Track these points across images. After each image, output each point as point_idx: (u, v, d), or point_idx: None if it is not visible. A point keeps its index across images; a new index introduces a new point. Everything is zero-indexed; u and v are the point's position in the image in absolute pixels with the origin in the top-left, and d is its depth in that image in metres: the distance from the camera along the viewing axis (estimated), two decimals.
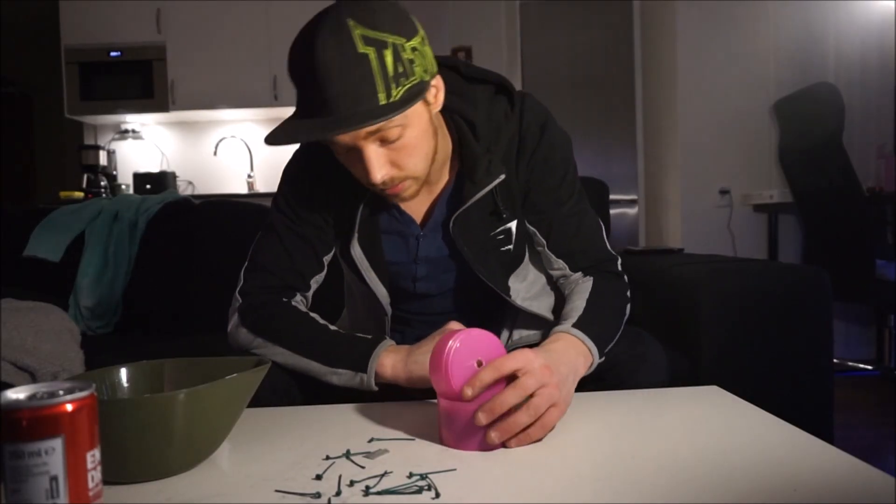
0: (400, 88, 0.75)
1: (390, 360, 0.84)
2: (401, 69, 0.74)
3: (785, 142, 3.09)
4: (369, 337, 0.88)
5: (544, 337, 0.85)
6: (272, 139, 0.77)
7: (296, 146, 1.02)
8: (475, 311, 1.04)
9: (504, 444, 0.67)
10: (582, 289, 0.92)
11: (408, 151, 0.82)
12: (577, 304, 0.87)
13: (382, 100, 0.74)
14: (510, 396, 0.65)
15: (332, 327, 0.91)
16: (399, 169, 0.82)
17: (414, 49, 0.76)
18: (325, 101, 0.74)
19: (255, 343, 0.92)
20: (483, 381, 0.66)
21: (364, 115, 0.73)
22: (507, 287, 0.98)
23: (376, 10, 0.75)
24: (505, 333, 1.03)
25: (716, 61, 3.21)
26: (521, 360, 0.68)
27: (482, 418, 0.64)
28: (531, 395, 0.66)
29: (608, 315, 0.89)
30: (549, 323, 1.01)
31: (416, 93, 0.77)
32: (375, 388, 0.85)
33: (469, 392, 0.65)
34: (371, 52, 0.73)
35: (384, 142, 0.80)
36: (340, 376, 0.86)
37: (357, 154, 0.80)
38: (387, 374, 0.84)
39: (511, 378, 0.68)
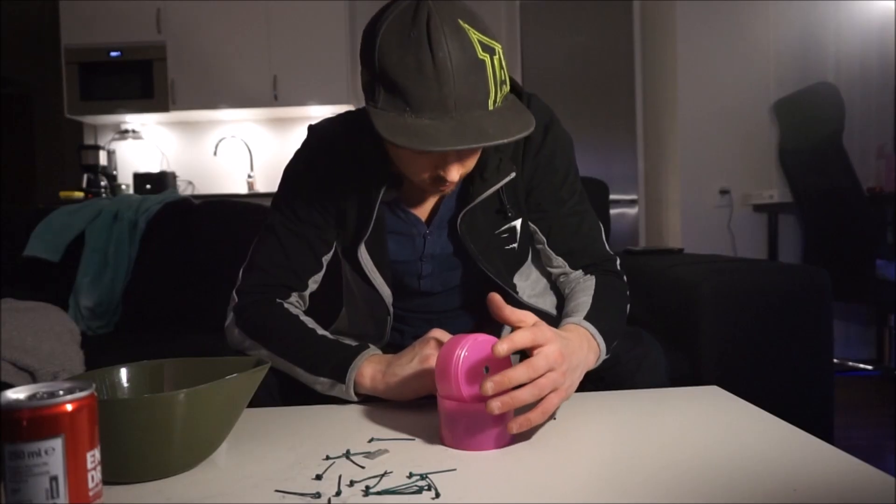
0: (501, 95, 0.77)
1: (370, 371, 0.83)
2: (503, 77, 0.77)
3: (785, 142, 3.09)
4: (353, 344, 0.87)
5: None
6: (403, 139, 0.73)
7: (296, 146, 1.02)
8: (477, 308, 1.04)
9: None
10: (585, 286, 0.92)
11: (476, 153, 0.85)
12: (583, 301, 0.87)
13: (490, 105, 0.76)
14: (520, 373, 0.65)
15: (320, 331, 0.91)
16: (465, 168, 0.85)
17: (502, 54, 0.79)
18: (443, 101, 0.73)
19: (245, 344, 0.93)
20: (516, 343, 0.66)
21: (496, 125, 0.74)
22: (514, 285, 0.99)
23: (475, 13, 0.76)
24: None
25: (716, 61, 3.21)
26: (542, 336, 0.68)
27: (489, 388, 0.63)
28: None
29: (613, 313, 0.89)
30: (552, 318, 1.01)
31: (512, 100, 0.80)
32: (355, 399, 0.84)
33: (502, 349, 0.64)
34: (487, 59, 0.74)
35: None
36: (322, 384, 0.85)
37: (435, 155, 0.80)
38: (366, 385, 0.83)
39: (523, 356, 0.68)
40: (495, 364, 0.68)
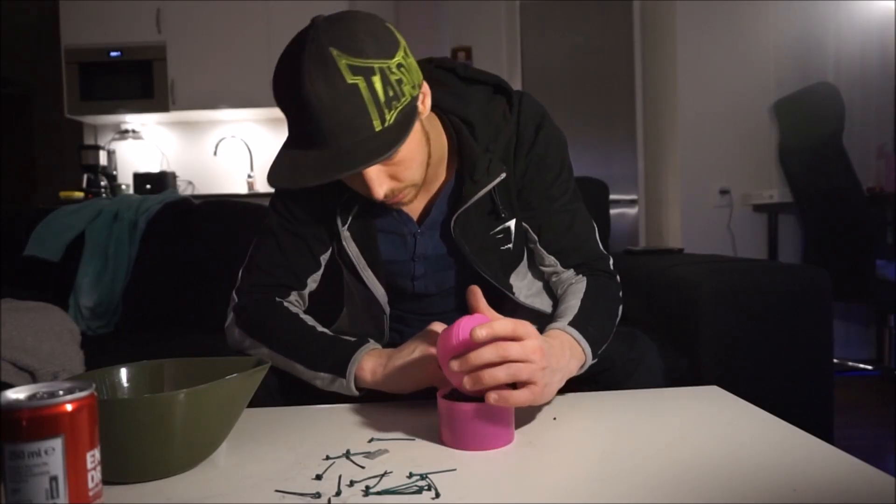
0: (393, 112, 0.76)
1: (370, 365, 0.83)
2: (391, 93, 0.75)
3: (785, 142, 3.09)
4: (352, 339, 0.87)
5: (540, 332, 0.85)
6: (278, 180, 0.77)
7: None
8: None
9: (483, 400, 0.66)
10: (576, 289, 0.91)
11: (405, 165, 0.83)
12: (572, 304, 0.87)
13: (378, 126, 0.75)
14: (488, 352, 0.65)
15: (320, 329, 0.91)
16: (398, 181, 0.84)
17: (399, 66, 0.76)
18: (321, 133, 0.74)
19: (246, 343, 0.93)
20: (495, 330, 0.65)
21: (368, 150, 0.74)
22: (510, 285, 0.98)
23: (357, 32, 0.74)
24: None
25: (716, 61, 3.22)
26: (524, 331, 0.67)
27: (455, 365, 0.64)
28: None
29: (602, 317, 0.88)
30: (547, 318, 1.00)
31: (409, 113, 0.78)
32: (357, 393, 0.84)
33: (481, 333, 0.64)
34: (360, 82, 0.73)
35: (383, 162, 0.80)
36: (323, 380, 0.85)
37: (355, 175, 0.81)
38: (367, 379, 0.83)
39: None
40: None
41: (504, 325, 0.66)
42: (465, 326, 0.68)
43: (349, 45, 0.73)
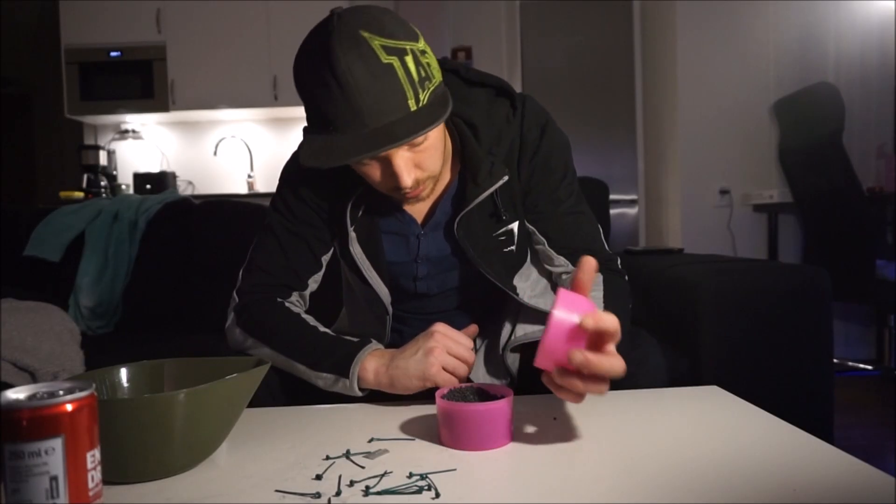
0: (426, 92, 0.77)
1: (373, 365, 0.83)
2: (423, 73, 0.77)
3: (785, 142, 3.09)
4: (355, 339, 0.87)
5: None
6: (311, 160, 0.77)
7: (294, 147, 1.02)
8: (476, 309, 1.04)
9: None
10: (594, 283, 0.91)
11: (429, 153, 0.83)
12: (595, 296, 0.86)
13: (413, 106, 0.76)
14: (610, 365, 0.63)
15: (322, 329, 0.91)
16: (422, 170, 0.84)
17: (424, 52, 0.78)
18: (355, 115, 0.74)
19: (247, 343, 0.93)
20: (605, 325, 0.63)
21: (406, 127, 0.74)
22: (514, 286, 0.98)
23: (382, 18, 0.76)
24: (507, 328, 1.02)
25: (716, 61, 3.22)
26: (618, 336, 0.66)
27: (579, 359, 0.61)
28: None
29: (621, 310, 0.88)
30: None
31: (442, 95, 0.80)
32: (359, 394, 0.84)
33: (590, 323, 0.62)
34: (395, 62, 0.74)
35: (411, 147, 0.81)
36: (325, 380, 0.85)
37: (381, 162, 0.81)
38: (369, 379, 0.83)
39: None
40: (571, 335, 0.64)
41: (613, 321, 0.64)
42: (580, 306, 0.64)
43: (379, 28, 0.74)
